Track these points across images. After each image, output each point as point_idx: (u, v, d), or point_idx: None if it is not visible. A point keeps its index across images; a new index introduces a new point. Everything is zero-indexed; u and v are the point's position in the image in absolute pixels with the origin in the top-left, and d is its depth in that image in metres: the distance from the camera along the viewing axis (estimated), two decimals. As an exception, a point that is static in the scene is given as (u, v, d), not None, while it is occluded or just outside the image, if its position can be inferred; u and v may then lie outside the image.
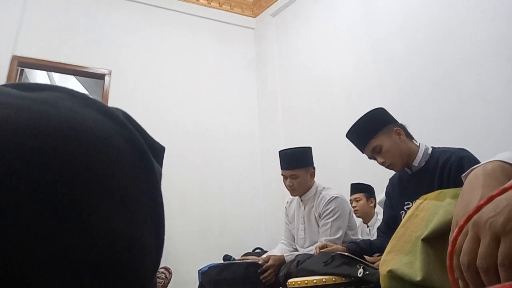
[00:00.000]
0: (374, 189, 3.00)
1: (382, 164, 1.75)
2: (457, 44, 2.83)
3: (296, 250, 2.36)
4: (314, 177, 2.35)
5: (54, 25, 3.86)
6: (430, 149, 1.75)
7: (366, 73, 3.52)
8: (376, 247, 1.89)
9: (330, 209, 2.19)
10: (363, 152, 1.80)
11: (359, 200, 2.97)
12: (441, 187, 1.56)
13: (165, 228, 0.30)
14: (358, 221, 2.99)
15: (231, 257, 2.31)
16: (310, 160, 2.35)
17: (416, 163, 1.72)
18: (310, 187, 2.32)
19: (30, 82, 0.27)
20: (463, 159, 1.58)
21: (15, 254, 0.19)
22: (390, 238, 0.84)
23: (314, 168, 2.35)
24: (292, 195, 2.36)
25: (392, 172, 1.90)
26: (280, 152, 2.39)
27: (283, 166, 2.32)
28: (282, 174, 2.34)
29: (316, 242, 2.19)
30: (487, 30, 2.66)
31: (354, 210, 2.92)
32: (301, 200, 2.37)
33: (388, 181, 1.95)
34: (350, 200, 2.97)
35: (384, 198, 1.97)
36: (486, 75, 2.62)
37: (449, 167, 1.59)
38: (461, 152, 1.63)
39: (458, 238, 0.46)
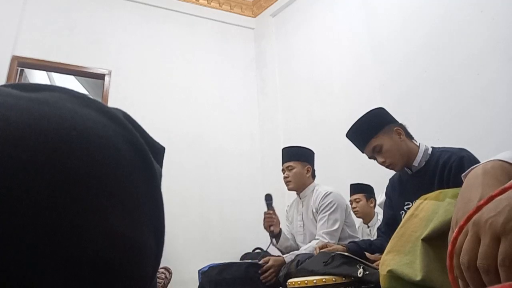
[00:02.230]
0: (374, 189, 3.00)
1: (382, 164, 1.75)
2: (457, 44, 2.83)
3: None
4: (311, 175, 2.40)
5: (54, 25, 3.86)
6: (430, 149, 1.75)
7: (366, 73, 3.52)
8: (376, 247, 1.89)
9: (327, 203, 2.23)
10: (363, 152, 1.80)
11: (359, 201, 2.97)
12: (441, 187, 1.56)
13: (165, 228, 0.30)
14: (358, 221, 2.99)
15: (271, 197, 2.37)
16: (309, 158, 2.42)
17: (416, 163, 1.72)
18: (308, 185, 2.37)
19: (30, 83, 0.27)
20: (463, 159, 1.58)
21: (15, 254, 0.20)
22: (390, 238, 0.84)
23: (313, 168, 2.40)
24: (288, 188, 2.40)
25: (392, 172, 1.90)
26: (283, 148, 2.49)
27: (283, 160, 2.42)
28: (282, 170, 2.41)
29: (315, 236, 2.21)
30: (487, 30, 2.66)
31: (354, 211, 2.92)
32: (300, 198, 2.40)
33: (388, 181, 1.95)
34: (350, 201, 2.96)
35: (385, 199, 1.97)
36: (486, 75, 2.62)
37: (449, 167, 1.59)
38: (461, 152, 1.63)
39: (458, 238, 0.46)
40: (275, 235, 2.37)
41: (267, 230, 2.35)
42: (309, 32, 4.27)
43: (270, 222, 2.33)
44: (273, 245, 2.41)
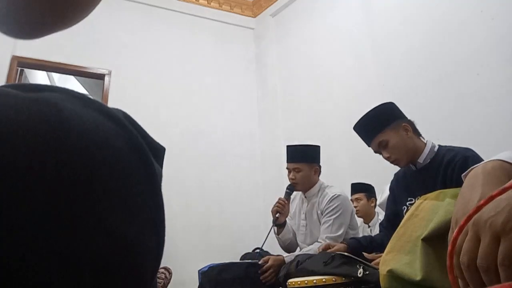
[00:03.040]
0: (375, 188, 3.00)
1: (387, 159, 1.75)
2: (457, 44, 2.83)
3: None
4: (318, 174, 2.37)
5: (54, 25, 3.86)
6: (437, 147, 1.75)
7: (366, 73, 3.52)
8: (377, 244, 1.90)
9: (333, 206, 2.20)
10: (369, 146, 1.80)
11: (360, 200, 2.97)
12: (444, 185, 1.56)
13: (165, 228, 0.30)
14: (359, 221, 2.99)
15: (293, 189, 2.34)
16: (316, 158, 2.37)
17: (421, 159, 1.72)
18: (314, 184, 2.33)
19: (30, 83, 0.27)
20: (468, 158, 1.57)
21: (16, 255, 0.20)
22: (391, 233, 0.84)
23: (319, 166, 2.37)
24: (295, 189, 2.37)
25: (392, 171, 1.90)
26: (288, 146, 2.43)
27: (288, 159, 2.36)
28: (286, 168, 2.36)
29: (317, 239, 2.20)
30: (487, 30, 2.66)
31: (355, 211, 2.92)
32: (305, 197, 2.38)
33: (388, 180, 1.96)
34: (351, 200, 2.96)
35: (384, 200, 1.98)
36: (486, 75, 2.62)
37: (453, 166, 1.59)
38: (467, 151, 1.63)
39: (458, 238, 0.46)
40: (278, 224, 2.35)
41: (273, 215, 2.33)
42: (309, 32, 4.27)
43: (279, 209, 2.31)
44: (274, 233, 2.41)
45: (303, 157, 2.31)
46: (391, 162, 1.76)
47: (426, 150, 1.73)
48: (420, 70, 3.07)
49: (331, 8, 4.03)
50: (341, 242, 2.05)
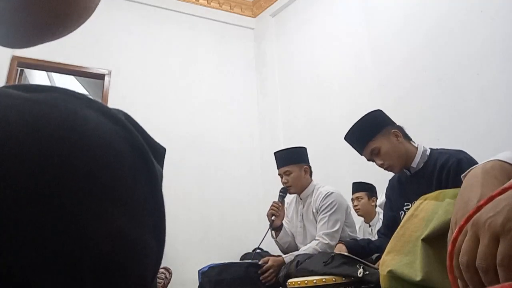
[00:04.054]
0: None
1: (380, 166, 1.76)
2: (457, 44, 2.84)
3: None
4: (309, 174, 2.39)
5: (54, 25, 3.86)
6: (428, 150, 1.75)
7: (366, 73, 3.52)
8: (375, 246, 1.90)
9: (328, 203, 2.22)
10: (361, 155, 1.81)
11: (361, 199, 2.97)
12: (439, 189, 1.56)
13: (166, 228, 0.30)
14: (360, 220, 2.99)
15: (286, 191, 2.37)
16: (303, 158, 2.40)
17: (414, 164, 1.73)
18: (308, 185, 2.36)
19: (31, 84, 0.27)
20: (461, 161, 1.58)
21: (16, 255, 0.20)
22: (389, 239, 0.84)
23: (309, 166, 2.40)
24: (289, 192, 2.39)
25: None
26: (275, 153, 2.46)
27: (278, 165, 2.40)
28: (278, 174, 2.39)
29: (315, 238, 2.21)
30: (487, 30, 2.66)
31: (356, 209, 2.92)
32: (300, 199, 2.40)
33: (388, 181, 1.96)
34: (352, 199, 2.96)
35: (384, 201, 1.98)
36: (486, 75, 2.62)
37: (447, 170, 1.60)
38: (459, 154, 1.64)
39: (458, 238, 0.47)
40: (275, 228, 2.37)
41: (268, 219, 2.35)
42: (309, 32, 4.27)
43: (274, 213, 2.34)
44: (272, 237, 2.41)
45: (291, 159, 2.35)
46: (385, 169, 1.77)
47: (418, 154, 1.74)
48: (419, 70, 3.07)
49: (331, 8, 4.03)
50: (339, 242, 2.06)
